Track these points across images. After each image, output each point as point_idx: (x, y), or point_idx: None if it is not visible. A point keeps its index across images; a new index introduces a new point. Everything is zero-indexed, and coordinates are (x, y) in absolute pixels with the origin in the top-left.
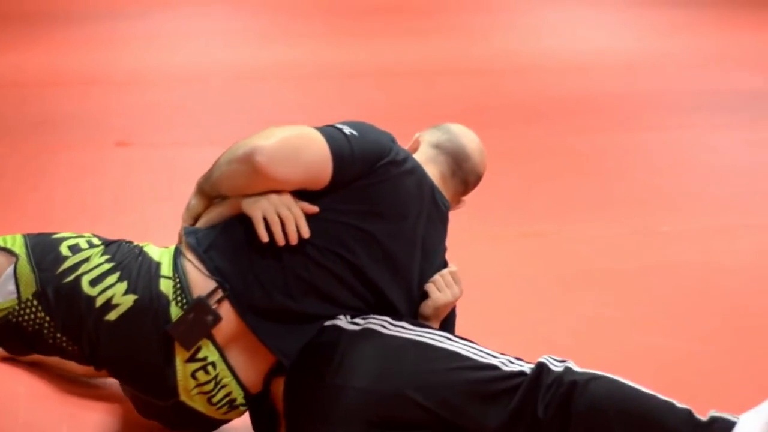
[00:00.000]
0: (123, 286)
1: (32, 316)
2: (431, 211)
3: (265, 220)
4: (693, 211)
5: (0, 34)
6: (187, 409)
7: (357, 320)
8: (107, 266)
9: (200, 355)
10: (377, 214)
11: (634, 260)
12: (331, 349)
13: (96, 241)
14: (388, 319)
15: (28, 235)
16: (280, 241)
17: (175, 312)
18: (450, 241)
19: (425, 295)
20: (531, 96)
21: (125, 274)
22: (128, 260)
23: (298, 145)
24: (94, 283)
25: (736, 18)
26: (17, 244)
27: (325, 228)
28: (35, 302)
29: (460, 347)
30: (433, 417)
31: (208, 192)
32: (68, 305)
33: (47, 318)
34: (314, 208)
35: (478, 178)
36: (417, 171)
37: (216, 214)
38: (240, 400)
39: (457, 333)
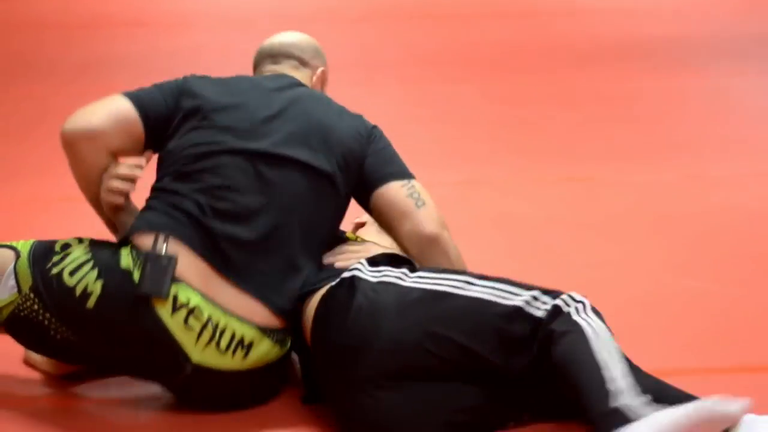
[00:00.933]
0: (94, 273)
1: (33, 308)
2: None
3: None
4: (742, 156)
5: None
6: (211, 373)
7: (374, 270)
8: (84, 257)
9: (180, 301)
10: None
11: (682, 205)
12: (349, 304)
13: (86, 239)
14: (405, 270)
15: (38, 240)
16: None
17: (137, 277)
18: (498, 185)
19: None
20: (577, 39)
21: (96, 262)
22: (102, 250)
23: (94, 104)
24: (72, 273)
25: None
26: (26, 246)
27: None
28: (32, 295)
29: (481, 291)
30: (455, 365)
31: (98, 207)
32: (57, 297)
33: (44, 311)
34: (139, 159)
35: (297, 48)
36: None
37: (121, 221)
38: (251, 336)
39: (502, 274)
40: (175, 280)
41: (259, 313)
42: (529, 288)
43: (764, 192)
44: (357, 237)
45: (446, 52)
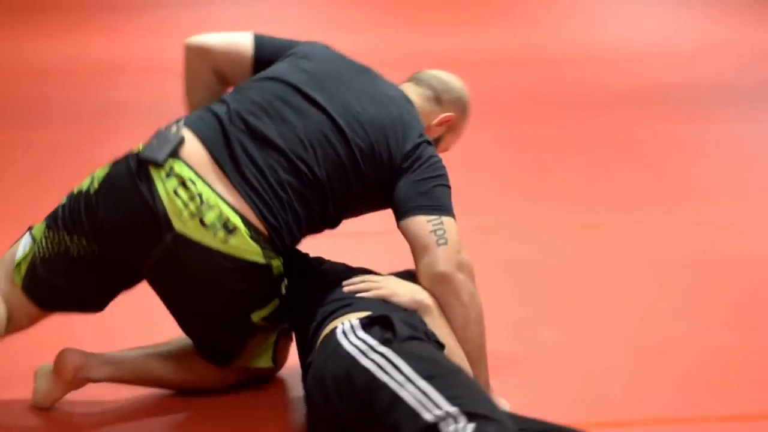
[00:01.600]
0: (105, 169)
1: (48, 243)
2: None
3: None
4: (754, 203)
5: (62, 22)
6: (190, 246)
7: (355, 334)
8: (99, 170)
9: (176, 171)
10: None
11: (693, 252)
12: (318, 360)
13: None
14: (388, 337)
15: None
16: None
17: (141, 148)
18: (511, 232)
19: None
20: (592, 86)
21: (108, 164)
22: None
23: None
24: (84, 183)
25: None
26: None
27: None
28: (47, 232)
29: (412, 395)
30: None
31: None
32: (70, 210)
33: (56, 235)
34: None
35: (445, 86)
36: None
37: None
38: (235, 222)
39: (514, 323)
40: (176, 156)
41: (247, 212)
42: (456, 403)
43: None
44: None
45: None
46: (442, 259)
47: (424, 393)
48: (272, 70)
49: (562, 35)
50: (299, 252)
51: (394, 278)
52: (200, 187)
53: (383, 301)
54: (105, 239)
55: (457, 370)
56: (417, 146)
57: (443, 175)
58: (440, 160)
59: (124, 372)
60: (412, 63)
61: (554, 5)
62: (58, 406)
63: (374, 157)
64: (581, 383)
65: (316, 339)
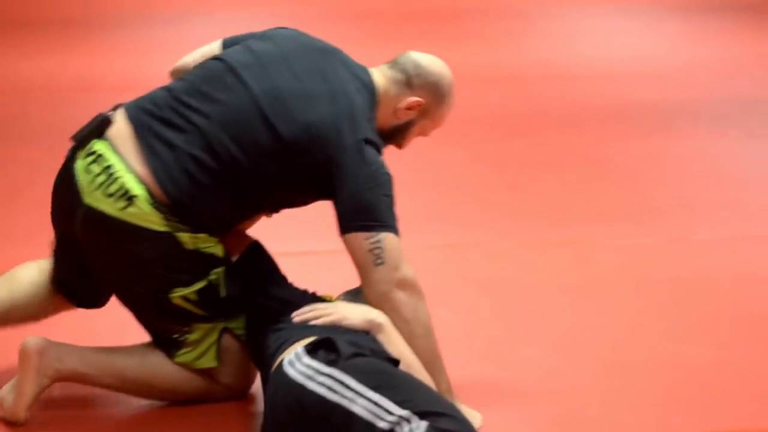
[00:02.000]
0: None
1: None
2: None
3: None
4: (725, 220)
5: (38, 39)
6: (96, 215)
7: (302, 362)
8: None
9: (94, 148)
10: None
11: (667, 269)
12: (270, 392)
13: None
14: (332, 359)
15: None
16: None
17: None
18: (485, 249)
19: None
20: (563, 103)
21: None
22: None
23: None
24: None
25: (766, 25)
26: None
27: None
28: None
29: (363, 407)
30: None
31: None
32: None
33: None
34: None
35: (418, 69)
36: None
37: None
38: (136, 190)
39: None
40: (101, 136)
41: (151, 182)
42: (406, 406)
43: (748, 256)
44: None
45: None
46: (379, 280)
47: (375, 403)
48: (224, 52)
49: (535, 52)
50: (264, 271)
51: (343, 303)
52: (112, 160)
53: (334, 327)
54: (53, 220)
55: (403, 376)
56: (354, 147)
57: (383, 184)
58: (380, 166)
59: (89, 365)
60: None
61: (527, 23)
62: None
63: (300, 150)
64: (557, 401)
65: (269, 372)
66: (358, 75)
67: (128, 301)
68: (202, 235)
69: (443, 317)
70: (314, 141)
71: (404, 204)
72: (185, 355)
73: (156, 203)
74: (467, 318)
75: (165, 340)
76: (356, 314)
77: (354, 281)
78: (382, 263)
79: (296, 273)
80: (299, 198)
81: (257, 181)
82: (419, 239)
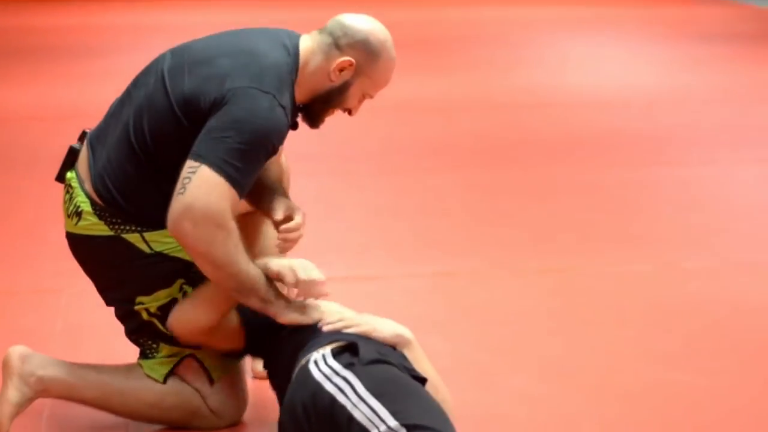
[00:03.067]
0: None
1: None
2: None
3: None
4: (715, 247)
5: (24, 69)
6: (69, 237)
7: (329, 365)
8: None
9: (67, 180)
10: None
11: (656, 296)
12: (291, 390)
13: None
14: (354, 362)
15: None
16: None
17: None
18: (474, 277)
19: None
20: (553, 131)
21: None
22: None
23: None
24: None
25: (756, 53)
26: None
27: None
28: None
29: (364, 414)
30: None
31: None
32: None
33: None
34: None
35: (344, 30)
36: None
37: None
38: (83, 205)
39: (476, 368)
40: (72, 167)
41: (93, 193)
42: (398, 417)
43: (737, 283)
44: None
45: (424, 143)
46: (173, 209)
47: (374, 411)
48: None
49: (524, 81)
50: None
51: (371, 315)
52: (74, 185)
53: (364, 337)
54: None
55: (414, 389)
56: (237, 92)
57: (243, 132)
58: (255, 117)
59: (73, 375)
60: (372, 107)
61: (515, 52)
62: None
63: (194, 108)
64: (546, 429)
65: (292, 372)
66: (282, 40)
67: (115, 313)
68: (153, 233)
69: (432, 344)
70: (204, 93)
71: (393, 232)
72: (151, 368)
73: (98, 211)
74: (455, 345)
75: (141, 351)
76: (386, 327)
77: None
78: (182, 193)
79: None
80: None
81: (177, 158)
82: (407, 266)
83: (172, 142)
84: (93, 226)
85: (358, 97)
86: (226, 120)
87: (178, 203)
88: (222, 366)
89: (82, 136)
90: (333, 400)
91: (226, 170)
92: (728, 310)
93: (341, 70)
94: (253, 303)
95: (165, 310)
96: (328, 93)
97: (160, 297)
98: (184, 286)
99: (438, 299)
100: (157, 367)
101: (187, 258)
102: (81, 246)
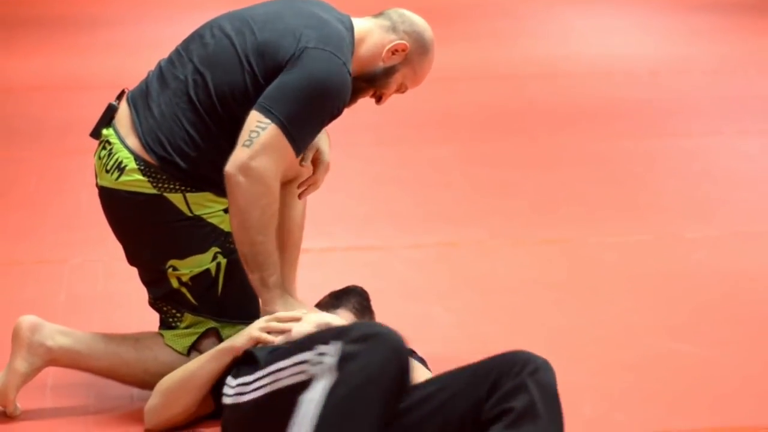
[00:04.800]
0: None
1: None
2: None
3: None
4: (718, 217)
5: (27, 39)
6: (104, 192)
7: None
8: None
9: (104, 136)
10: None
11: (660, 267)
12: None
13: None
14: (243, 381)
15: None
16: None
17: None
18: (476, 247)
19: None
20: (556, 102)
21: None
22: None
23: None
24: None
25: (762, 23)
26: None
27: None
28: None
29: (283, 379)
30: None
31: None
32: None
33: None
34: None
35: (403, 18)
36: None
37: None
38: (126, 161)
39: (480, 338)
40: (110, 125)
41: (140, 150)
42: (312, 345)
43: (740, 253)
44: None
45: (426, 114)
46: (235, 158)
47: (292, 364)
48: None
49: (527, 51)
50: None
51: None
52: (113, 140)
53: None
54: None
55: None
56: (311, 50)
57: (315, 95)
58: (322, 75)
59: (81, 343)
60: None
61: (518, 22)
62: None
63: (268, 62)
64: None
65: None
66: (336, 15)
67: (142, 277)
68: (196, 195)
69: (435, 315)
70: (281, 46)
71: (395, 202)
72: (173, 339)
73: (144, 168)
74: (459, 316)
75: (162, 320)
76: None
77: (340, 282)
78: (248, 145)
79: None
80: None
81: (242, 112)
82: (410, 237)
83: (239, 96)
84: (136, 182)
85: (397, 85)
86: (302, 79)
87: (242, 153)
88: None
89: (121, 95)
90: (256, 401)
91: (293, 134)
92: (732, 280)
93: (394, 52)
94: (254, 279)
95: (196, 282)
96: (375, 73)
97: (193, 264)
98: (219, 256)
99: (441, 270)
100: (180, 339)
101: (225, 227)
102: (117, 202)
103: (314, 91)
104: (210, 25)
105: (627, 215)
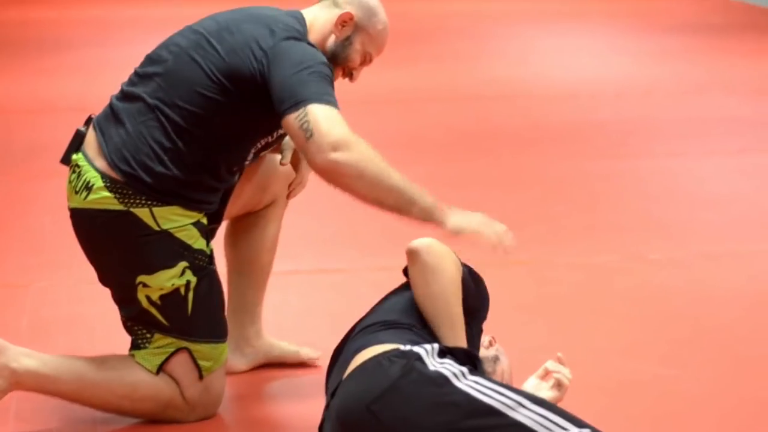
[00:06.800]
0: None
1: None
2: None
3: None
4: (682, 238)
5: None
6: (73, 213)
7: (436, 359)
8: None
9: (74, 161)
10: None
11: (623, 287)
12: (395, 377)
13: None
14: (465, 370)
15: None
16: None
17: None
18: None
19: None
20: (520, 123)
21: None
22: None
23: None
24: None
25: (725, 46)
26: None
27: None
28: None
29: (528, 417)
30: None
31: None
32: None
33: None
34: None
35: None
36: None
37: None
38: (93, 180)
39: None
40: (80, 150)
41: (106, 168)
42: (581, 425)
43: (704, 274)
44: None
45: (390, 136)
46: (315, 151)
47: (543, 416)
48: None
49: (491, 72)
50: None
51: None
52: (81, 163)
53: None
54: None
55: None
56: (276, 46)
57: (310, 66)
58: (307, 54)
59: (47, 366)
60: (342, 101)
61: (480, 43)
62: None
63: (233, 75)
64: None
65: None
66: (287, 12)
67: (113, 296)
68: (163, 209)
69: None
70: (246, 54)
71: (360, 224)
72: (144, 358)
73: (111, 185)
74: None
75: (133, 341)
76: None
77: (304, 305)
78: (312, 135)
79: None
80: (250, 125)
81: (209, 126)
82: (375, 259)
83: (205, 107)
84: (103, 200)
85: (361, 54)
86: (290, 65)
87: (314, 144)
88: (213, 361)
89: (88, 121)
90: (475, 400)
91: (326, 99)
92: (696, 300)
93: (343, 23)
94: (416, 214)
95: (166, 301)
96: (333, 51)
97: (162, 280)
98: (188, 272)
99: None
100: (150, 357)
101: (194, 243)
102: (87, 221)
103: (307, 63)
104: (165, 45)
105: (592, 236)
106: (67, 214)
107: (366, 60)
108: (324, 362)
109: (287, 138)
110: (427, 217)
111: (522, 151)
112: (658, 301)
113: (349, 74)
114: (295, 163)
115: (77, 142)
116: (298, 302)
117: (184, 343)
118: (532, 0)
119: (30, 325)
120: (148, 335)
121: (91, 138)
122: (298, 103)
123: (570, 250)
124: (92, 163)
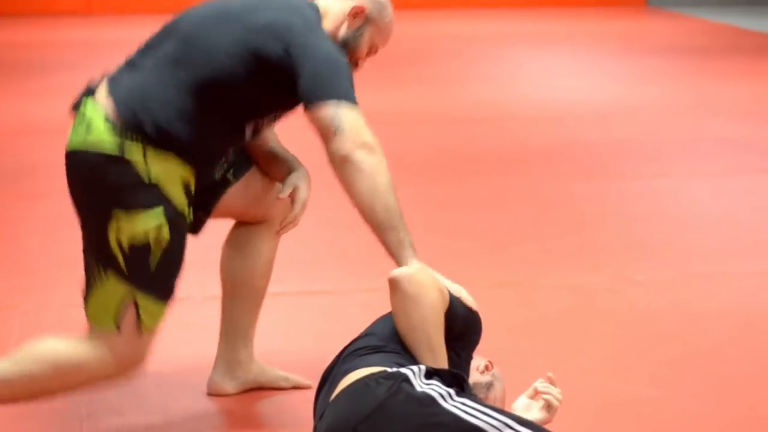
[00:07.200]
0: None
1: None
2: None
3: None
4: (668, 259)
5: None
6: (69, 155)
7: (423, 380)
8: None
9: (81, 106)
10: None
11: (610, 308)
12: (382, 398)
13: None
14: (452, 391)
15: None
16: None
17: None
18: None
19: None
20: (507, 145)
21: None
22: None
23: None
24: None
25: (711, 67)
26: None
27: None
28: None
29: None
30: None
31: None
32: None
33: None
34: None
35: None
36: None
37: None
38: (96, 120)
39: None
40: (89, 95)
41: (112, 111)
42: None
43: (690, 294)
44: None
45: None
46: (340, 147)
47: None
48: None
49: (477, 95)
50: None
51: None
52: (88, 106)
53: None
54: None
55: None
56: (310, 35)
57: (339, 66)
58: (336, 51)
59: None
60: None
61: (467, 65)
62: None
63: (260, 46)
64: None
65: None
66: (304, 1)
67: (84, 243)
68: (157, 152)
69: None
70: (273, 35)
71: (348, 246)
72: (90, 305)
73: (111, 126)
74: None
75: (86, 279)
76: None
77: (291, 327)
78: (342, 131)
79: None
80: (266, 100)
81: (227, 89)
82: (362, 281)
83: (229, 79)
84: (100, 141)
85: (368, 45)
86: (321, 58)
87: (344, 137)
88: (154, 320)
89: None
90: (463, 422)
91: (356, 102)
92: (683, 321)
93: (355, 15)
94: (391, 240)
95: (133, 251)
96: (344, 40)
97: (136, 224)
98: (164, 227)
99: None
100: (103, 317)
101: (176, 203)
102: (80, 164)
103: (336, 66)
104: (182, 18)
105: (578, 257)
106: (56, 236)
107: (372, 51)
108: (312, 385)
109: (292, 174)
110: (398, 250)
111: (509, 173)
112: (646, 322)
113: (355, 64)
114: (292, 199)
115: (88, 90)
116: (285, 324)
117: (135, 295)
118: (520, 22)
119: (17, 347)
120: (103, 275)
121: (101, 87)
122: (331, 99)
123: (557, 271)
124: (98, 104)
